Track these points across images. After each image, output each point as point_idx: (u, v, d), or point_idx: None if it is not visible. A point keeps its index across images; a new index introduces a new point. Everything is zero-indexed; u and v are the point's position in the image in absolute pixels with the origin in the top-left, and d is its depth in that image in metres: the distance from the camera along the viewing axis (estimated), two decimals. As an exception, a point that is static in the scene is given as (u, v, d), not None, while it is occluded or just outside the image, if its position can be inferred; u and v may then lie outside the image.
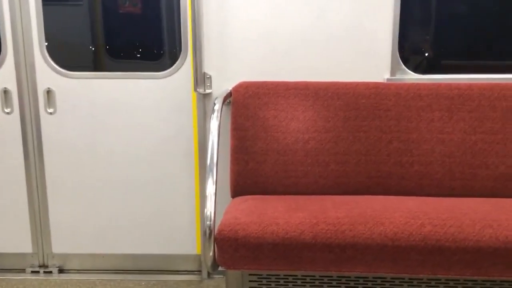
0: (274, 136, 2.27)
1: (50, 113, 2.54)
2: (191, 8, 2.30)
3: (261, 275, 1.90)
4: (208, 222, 1.81)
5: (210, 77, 2.44)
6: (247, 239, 1.76)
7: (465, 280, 1.86)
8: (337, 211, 1.86)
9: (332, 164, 2.24)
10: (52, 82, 2.51)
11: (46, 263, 2.69)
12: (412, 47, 2.68)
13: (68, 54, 2.64)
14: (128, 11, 2.71)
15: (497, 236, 1.73)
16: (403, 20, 2.38)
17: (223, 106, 2.30)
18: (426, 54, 2.75)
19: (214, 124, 2.10)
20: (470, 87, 2.28)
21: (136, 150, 2.55)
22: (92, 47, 2.77)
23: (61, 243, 2.66)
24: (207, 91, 2.46)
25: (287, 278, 1.90)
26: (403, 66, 2.42)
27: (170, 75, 2.49)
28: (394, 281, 1.88)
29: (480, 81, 2.33)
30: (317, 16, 2.36)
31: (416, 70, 2.47)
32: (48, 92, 2.51)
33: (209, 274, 2.60)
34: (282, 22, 2.37)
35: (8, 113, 2.53)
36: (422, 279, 1.87)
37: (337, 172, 2.23)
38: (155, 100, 2.51)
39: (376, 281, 1.88)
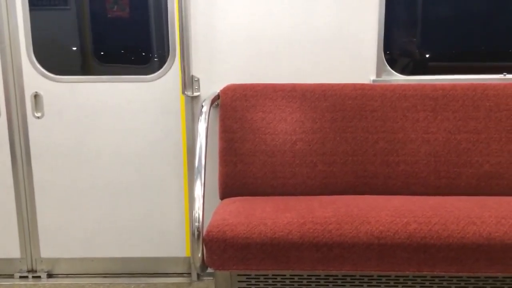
0: (262, 137, 2.29)
1: (38, 117, 2.53)
2: (179, 11, 2.31)
3: (250, 275, 1.91)
4: (196, 224, 1.82)
5: (198, 80, 2.45)
6: (235, 240, 1.77)
7: (450, 277, 1.88)
8: (324, 210, 1.88)
9: (319, 165, 2.26)
10: (39, 86, 2.50)
11: (34, 268, 2.67)
12: (397, 49, 2.72)
13: (56, 58, 2.64)
14: (116, 15, 2.72)
15: (480, 233, 1.76)
16: (388, 22, 2.41)
17: (211, 109, 2.31)
18: (411, 56, 2.79)
19: (202, 126, 2.12)
20: (454, 87, 2.32)
21: (125, 153, 2.56)
22: (80, 51, 2.77)
23: (50, 248, 2.65)
24: (195, 93, 2.47)
25: (276, 278, 1.91)
26: (389, 67, 2.45)
27: (158, 78, 2.49)
28: (380, 279, 1.90)
29: (464, 82, 2.37)
30: (304, 19, 2.38)
31: (402, 71, 2.51)
32: (36, 96, 2.51)
33: (198, 276, 2.61)
34: (269, 25, 2.39)
35: (-5, 117, 2.53)
36: (408, 277, 1.89)
37: (325, 172, 2.26)
38: (143, 103, 2.51)
39: (363, 279, 1.90)
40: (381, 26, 2.39)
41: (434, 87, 2.32)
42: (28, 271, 2.67)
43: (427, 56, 2.78)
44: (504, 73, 2.45)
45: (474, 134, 2.27)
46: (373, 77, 2.44)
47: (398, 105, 2.30)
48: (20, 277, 2.64)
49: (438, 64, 2.77)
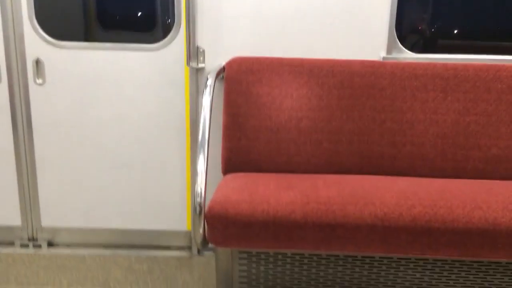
0: (267, 113, 2.25)
1: (39, 84, 2.49)
2: (185, -22, 2.24)
3: (251, 252, 1.91)
4: (198, 199, 1.80)
5: (203, 51, 2.40)
6: (237, 217, 1.75)
7: (452, 261, 1.88)
8: (328, 190, 1.86)
9: (324, 143, 2.23)
10: (41, 52, 2.45)
11: (35, 237, 2.68)
12: (409, 26, 2.64)
13: (58, 24, 2.58)
14: (120, -20, 2.65)
15: (486, 218, 1.74)
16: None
17: (216, 82, 2.26)
18: (424, 33, 2.72)
19: (206, 99, 2.07)
20: (466, 67, 2.26)
21: (126, 124, 2.52)
22: (83, 17, 2.70)
23: (50, 217, 2.65)
24: (200, 65, 2.41)
25: (277, 256, 1.91)
26: (400, 44, 2.38)
27: (162, 48, 2.43)
28: (382, 261, 1.89)
29: (477, 62, 2.31)
30: (313, -9, 2.31)
31: (413, 49, 2.44)
32: (37, 62, 2.46)
33: (199, 250, 2.61)
34: None
35: (-5, 83, 2.49)
36: (410, 259, 1.88)
37: (330, 151, 2.22)
38: (146, 73, 2.46)
39: (364, 260, 1.90)
40: (394, 0, 2.31)
41: (445, 67, 2.26)
42: (29, 240, 2.67)
43: (440, 33, 2.71)
44: (519, 54, 2.38)
45: (483, 116, 2.23)
46: (383, 54, 2.37)
47: (408, 84, 2.25)
48: (21, 245, 2.65)
49: (451, 42, 2.70)
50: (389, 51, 2.37)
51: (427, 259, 1.88)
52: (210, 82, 2.13)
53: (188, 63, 2.36)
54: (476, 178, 2.19)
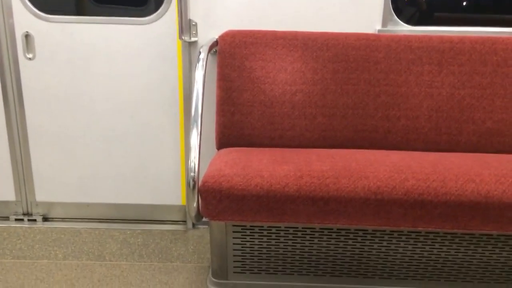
0: (261, 87, 2.23)
1: (29, 59, 2.45)
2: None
3: (245, 226, 1.92)
4: (192, 174, 1.79)
5: (195, 25, 2.36)
6: (231, 191, 1.76)
7: (444, 233, 1.89)
8: (322, 164, 1.86)
9: (319, 117, 2.22)
10: (30, 26, 2.40)
11: (30, 211, 2.68)
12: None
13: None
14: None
15: (478, 190, 1.74)
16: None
17: (209, 55, 2.23)
18: (419, 5, 2.68)
19: (199, 73, 2.04)
20: (462, 40, 2.24)
21: (119, 99, 2.50)
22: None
23: (45, 192, 2.65)
24: (193, 39, 2.38)
25: (270, 230, 1.92)
26: (395, 17, 2.35)
27: (154, 21, 2.39)
28: (375, 233, 1.91)
29: (473, 34, 2.28)
30: (308, -39, 2.26)
31: (408, 22, 2.41)
32: (27, 36, 2.41)
33: (193, 224, 2.63)
34: None
35: (-16, 58, 2.44)
36: (402, 232, 1.90)
37: (324, 125, 2.21)
38: (138, 47, 2.42)
39: (357, 233, 1.91)
40: (390, -29, 2.28)
41: (441, 39, 2.24)
42: (24, 214, 2.68)
43: (436, 6, 2.67)
44: (516, 27, 2.36)
45: (479, 89, 2.22)
46: (378, 26, 2.34)
47: (403, 57, 2.23)
48: (16, 219, 2.66)
49: (447, 15, 2.67)
50: (384, 23, 2.34)
51: (419, 232, 1.90)
52: (202, 56, 2.10)
53: (180, 37, 2.32)
54: (470, 152, 2.20)
